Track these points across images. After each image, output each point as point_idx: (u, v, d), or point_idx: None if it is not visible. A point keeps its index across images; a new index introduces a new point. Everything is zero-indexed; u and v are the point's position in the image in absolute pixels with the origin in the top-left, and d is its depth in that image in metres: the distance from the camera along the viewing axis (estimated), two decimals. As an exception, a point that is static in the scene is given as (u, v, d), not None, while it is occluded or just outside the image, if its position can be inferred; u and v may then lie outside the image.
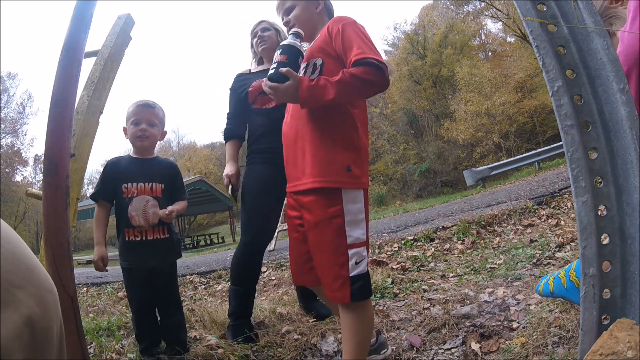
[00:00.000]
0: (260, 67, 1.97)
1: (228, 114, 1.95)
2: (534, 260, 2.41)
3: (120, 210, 1.51)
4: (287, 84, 1.10)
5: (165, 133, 1.68)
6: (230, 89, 1.96)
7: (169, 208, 1.51)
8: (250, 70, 1.98)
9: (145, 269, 1.50)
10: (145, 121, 1.55)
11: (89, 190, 35.31)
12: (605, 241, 0.74)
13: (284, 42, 1.19)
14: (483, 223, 3.61)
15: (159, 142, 1.68)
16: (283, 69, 1.10)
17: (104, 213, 1.53)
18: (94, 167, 36.95)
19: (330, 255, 1.12)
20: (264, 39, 1.92)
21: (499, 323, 1.56)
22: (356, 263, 1.11)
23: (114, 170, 1.54)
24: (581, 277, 0.74)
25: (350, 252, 1.11)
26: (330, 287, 1.13)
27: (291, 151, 1.24)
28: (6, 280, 0.44)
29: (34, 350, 0.45)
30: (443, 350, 1.44)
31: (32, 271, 0.49)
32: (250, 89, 1.83)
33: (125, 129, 1.59)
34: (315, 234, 1.14)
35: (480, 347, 1.39)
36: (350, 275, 1.10)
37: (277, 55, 1.16)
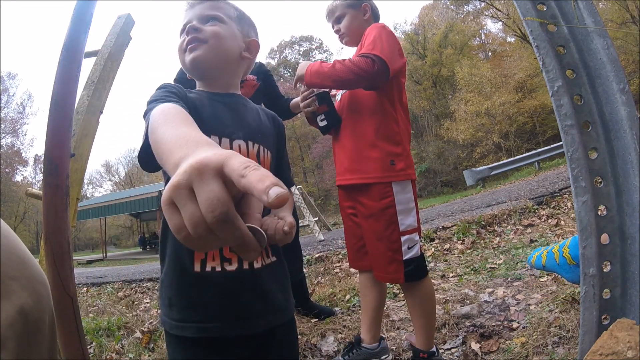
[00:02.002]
0: None
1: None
2: (534, 260, 2.40)
3: None
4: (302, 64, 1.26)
5: (256, 45, 0.85)
6: (175, 79, 1.78)
7: (289, 219, 0.57)
8: None
9: (251, 338, 0.69)
10: (198, 17, 0.78)
11: (89, 190, 35.39)
12: (606, 241, 0.74)
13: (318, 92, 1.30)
14: (483, 223, 3.61)
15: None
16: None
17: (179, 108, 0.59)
18: (94, 167, 37.00)
19: (385, 242, 1.21)
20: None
21: (499, 323, 1.56)
22: (409, 248, 1.21)
23: (183, 95, 0.73)
24: (581, 277, 0.74)
25: (403, 238, 1.21)
26: (384, 270, 1.23)
27: (337, 148, 1.34)
28: (1, 272, 0.45)
29: (26, 339, 0.46)
30: (443, 350, 1.44)
31: (25, 264, 0.50)
32: None
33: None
34: (370, 224, 1.24)
35: (480, 347, 1.39)
36: (404, 259, 1.20)
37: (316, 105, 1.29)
